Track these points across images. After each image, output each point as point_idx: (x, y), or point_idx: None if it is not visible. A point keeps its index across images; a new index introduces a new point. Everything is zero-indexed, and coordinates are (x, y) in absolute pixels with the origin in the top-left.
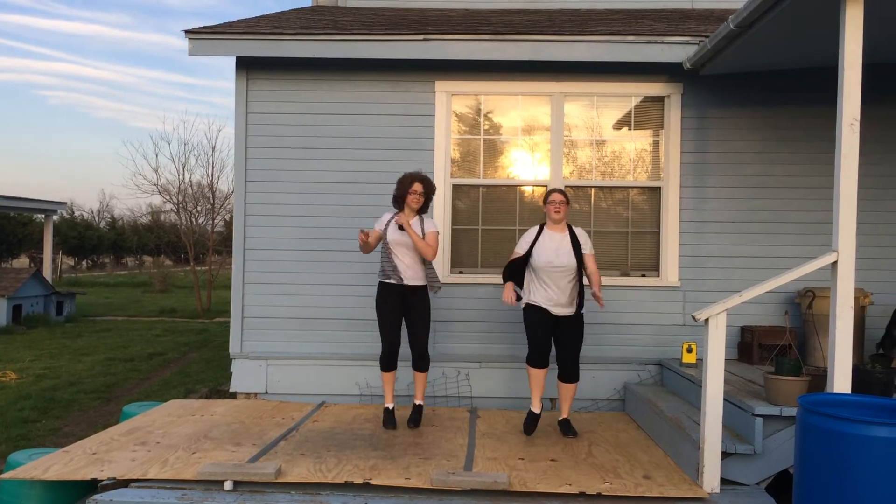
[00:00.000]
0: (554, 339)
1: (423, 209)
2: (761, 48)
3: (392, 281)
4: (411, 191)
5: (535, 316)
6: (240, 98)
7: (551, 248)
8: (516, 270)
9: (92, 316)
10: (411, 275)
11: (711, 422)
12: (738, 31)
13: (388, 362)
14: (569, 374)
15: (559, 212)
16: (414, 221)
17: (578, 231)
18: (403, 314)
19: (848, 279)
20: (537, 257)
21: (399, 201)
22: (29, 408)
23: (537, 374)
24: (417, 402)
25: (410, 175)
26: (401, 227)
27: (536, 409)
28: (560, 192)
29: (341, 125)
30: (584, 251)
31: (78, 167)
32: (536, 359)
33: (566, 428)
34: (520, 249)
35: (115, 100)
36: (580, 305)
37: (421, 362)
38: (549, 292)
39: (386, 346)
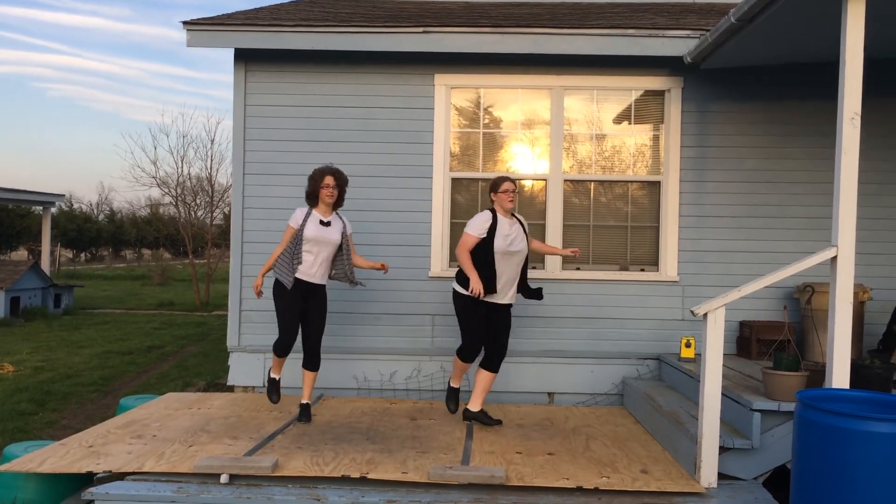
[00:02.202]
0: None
1: (339, 203)
2: (762, 42)
3: (301, 277)
4: (323, 185)
5: (474, 308)
6: (238, 90)
7: (510, 236)
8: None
9: (90, 309)
10: (321, 273)
11: (709, 416)
12: (739, 25)
13: (285, 350)
14: (495, 363)
15: (513, 201)
16: (333, 218)
17: (520, 216)
18: (303, 311)
19: (847, 274)
20: (498, 241)
21: (312, 197)
22: (26, 400)
23: (466, 367)
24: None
25: (321, 169)
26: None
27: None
28: (512, 181)
29: (340, 118)
30: (526, 230)
31: (77, 160)
32: (471, 354)
33: (486, 419)
34: (480, 234)
35: (115, 92)
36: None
37: (315, 360)
38: (503, 279)
39: (283, 339)
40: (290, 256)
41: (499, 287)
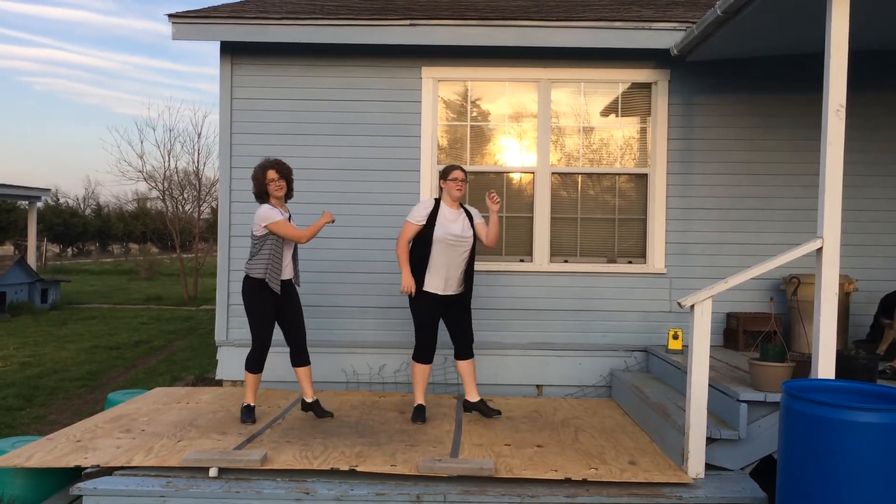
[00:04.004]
0: (445, 320)
1: (289, 195)
2: (748, 34)
3: (285, 277)
4: (268, 180)
5: (428, 306)
6: (224, 84)
7: (454, 225)
8: (414, 246)
9: (77, 303)
10: (291, 268)
11: (696, 408)
12: (725, 17)
13: (262, 360)
14: (467, 350)
15: (461, 189)
16: (284, 213)
17: (469, 207)
18: (281, 311)
19: (833, 265)
20: (438, 229)
21: (263, 196)
22: (13, 396)
23: (425, 371)
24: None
25: (261, 165)
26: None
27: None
28: (462, 169)
29: (327, 111)
30: (476, 221)
31: (63, 153)
32: (426, 354)
33: (486, 409)
34: (418, 222)
35: (100, 86)
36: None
37: (306, 355)
38: (444, 270)
39: (263, 347)
40: (274, 258)
41: (443, 280)
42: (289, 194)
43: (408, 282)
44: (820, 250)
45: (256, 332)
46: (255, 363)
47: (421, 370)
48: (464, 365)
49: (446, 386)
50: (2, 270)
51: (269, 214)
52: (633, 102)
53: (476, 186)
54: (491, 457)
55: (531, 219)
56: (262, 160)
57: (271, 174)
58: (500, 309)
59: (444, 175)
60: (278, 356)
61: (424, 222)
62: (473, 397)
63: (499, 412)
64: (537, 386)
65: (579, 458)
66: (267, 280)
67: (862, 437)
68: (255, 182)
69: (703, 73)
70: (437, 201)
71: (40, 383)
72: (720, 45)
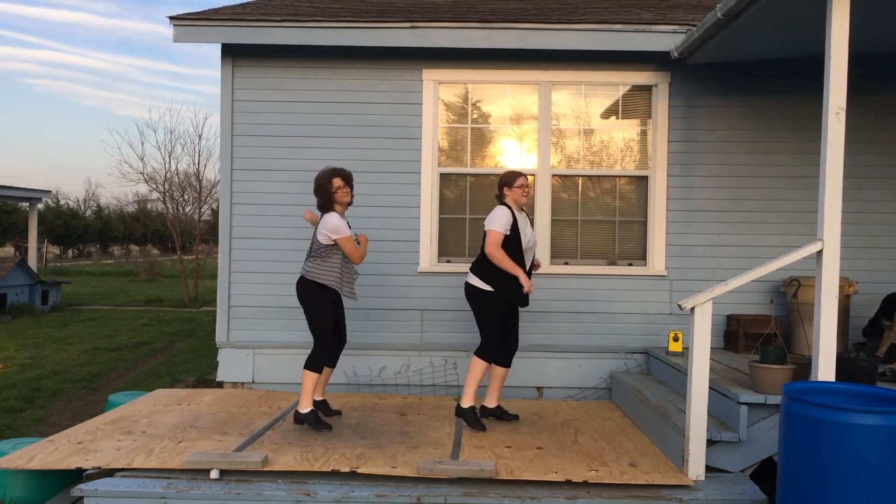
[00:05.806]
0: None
1: (350, 202)
2: (749, 37)
3: (344, 288)
4: (335, 188)
5: (500, 306)
6: (225, 86)
7: (528, 229)
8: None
9: (78, 305)
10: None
11: (697, 410)
12: (725, 20)
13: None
14: (511, 358)
15: (528, 196)
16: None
17: (526, 213)
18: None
19: (833, 268)
20: (522, 236)
21: (328, 205)
22: (14, 397)
23: (486, 370)
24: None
25: (325, 174)
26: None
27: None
28: (526, 176)
29: (328, 113)
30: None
31: (63, 155)
32: (496, 353)
33: (504, 414)
34: (506, 230)
35: (101, 88)
36: None
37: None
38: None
39: (329, 347)
40: (345, 269)
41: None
42: (350, 202)
43: (527, 281)
44: (820, 252)
45: (323, 334)
46: (322, 363)
47: (483, 367)
48: (503, 372)
49: (447, 388)
50: (3, 272)
51: (340, 227)
52: (633, 105)
53: (477, 188)
54: (491, 459)
55: (532, 221)
56: (323, 170)
57: (337, 181)
58: None
59: (508, 182)
60: (281, 357)
61: (510, 232)
62: (493, 403)
63: (516, 416)
64: (538, 388)
65: (580, 459)
66: (344, 293)
67: (862, 439)
68: (321, 191)
69: (704, 75)
70: (509, 209)
71: (41, 385)
72: (721, 48)
